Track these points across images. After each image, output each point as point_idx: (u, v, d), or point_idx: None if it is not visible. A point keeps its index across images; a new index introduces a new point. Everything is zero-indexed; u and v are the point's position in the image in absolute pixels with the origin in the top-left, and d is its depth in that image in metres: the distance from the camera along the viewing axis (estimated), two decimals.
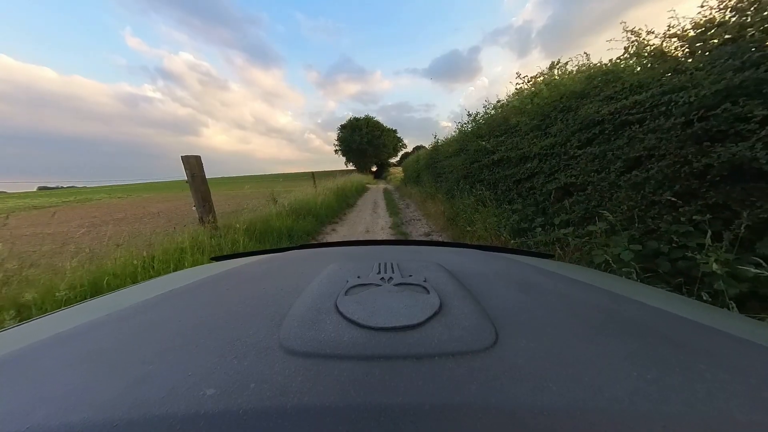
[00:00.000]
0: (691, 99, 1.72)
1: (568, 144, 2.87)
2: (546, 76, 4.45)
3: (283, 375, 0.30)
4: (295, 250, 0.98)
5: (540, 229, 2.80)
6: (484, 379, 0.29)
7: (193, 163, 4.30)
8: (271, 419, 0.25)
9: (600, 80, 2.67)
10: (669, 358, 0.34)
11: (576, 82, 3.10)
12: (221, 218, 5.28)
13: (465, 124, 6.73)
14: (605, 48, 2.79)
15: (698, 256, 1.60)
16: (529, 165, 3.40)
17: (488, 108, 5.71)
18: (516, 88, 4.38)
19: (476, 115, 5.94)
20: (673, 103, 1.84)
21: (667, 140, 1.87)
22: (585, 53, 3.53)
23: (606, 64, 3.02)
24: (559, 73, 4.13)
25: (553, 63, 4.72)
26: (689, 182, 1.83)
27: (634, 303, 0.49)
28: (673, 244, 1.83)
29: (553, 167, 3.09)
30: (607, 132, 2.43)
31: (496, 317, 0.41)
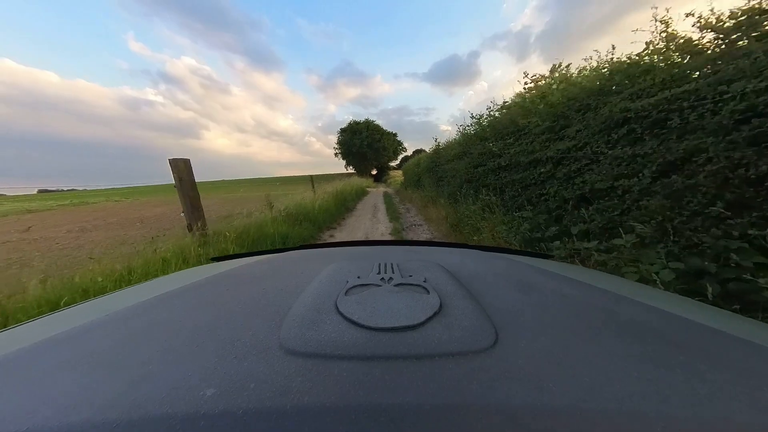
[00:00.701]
0: (748, 90, 1.46)
1: (588, 147, 2.62)
2: (548, 79, 4.24)
3: (283, 375, 0.30)
4: (295, 251, 0.96)
5: (558, 242, 2.52)
6: (484, 379, 0.29)
7: (181, 167, 4.04)
8: (271, 419, 0.25)
9: (624, 75, 2.41)
10: (669, 359, 0.33)
11: (594, 78, 2.84)
12: (213, 224, 5.03)
13: (468, 126, 6.50)
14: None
15: (761, 280, 1.34)
16: (542, 170, 3.13)
17: (492, 110, 5.48)
18: (524, 88, 4.12)
19: (480, 117, 5.69)
20: (723, 97, 1.58)
21: (714, 141, 1.61)
22: (612, 46, 3.19)
23: (625, 61, 2.77)
24: (562, 75, 3.87)
25: (554, 66, 4.59)
26: (742, 190, 1.57)
27: (634, 303, 0.49)
28: (723, 262, 1.56)
29: (571, 172, 2.82)
30: (636, 132, 2.17)
31: (496, 317, 0.41)
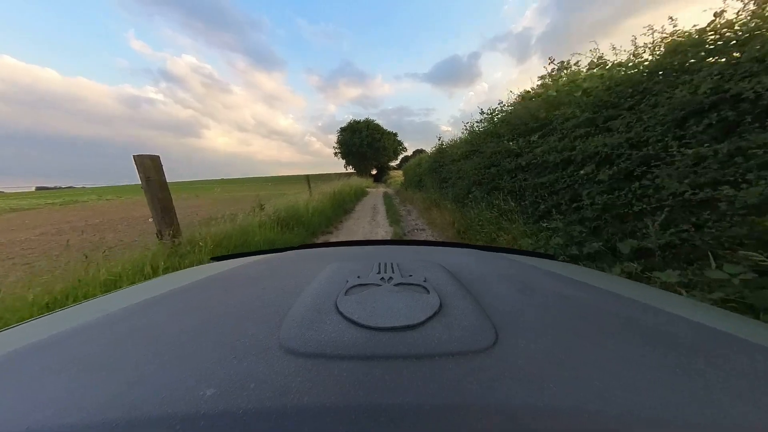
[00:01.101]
0: None
1: (648, 142, 2.03)
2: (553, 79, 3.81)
3: (283, 375, 0.30)
4: (295, 250, 0.96)
5: (617, 268, 1.94)
6: (484, 379, 0.29)
7: (148, 165, 3.44)
8: (271, 419, 0.25)
9: (699, 49, 1.83)
10: (670, 359, 0.33)
11: (657, 61, 2.22)
12: (194, 229, 4.46)
13: (477, 122, 5.92)
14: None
15: None
16: (582, 171, 2.51)
17: (503, 105, 4.90)
18: (550, 75, 3.49)
19: (492, 111, 5.10)
20: None
21: None
22: (670, 17, 2.51)
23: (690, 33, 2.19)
24: (598, 61, 3.28)
25: (563, 63, 4.19)
26: None
27: (635, 303, 0.48)
28: None
29: (619, 172, 2.23)
30: (728, 120, 1.59)
31: (496, 317, 0.40)
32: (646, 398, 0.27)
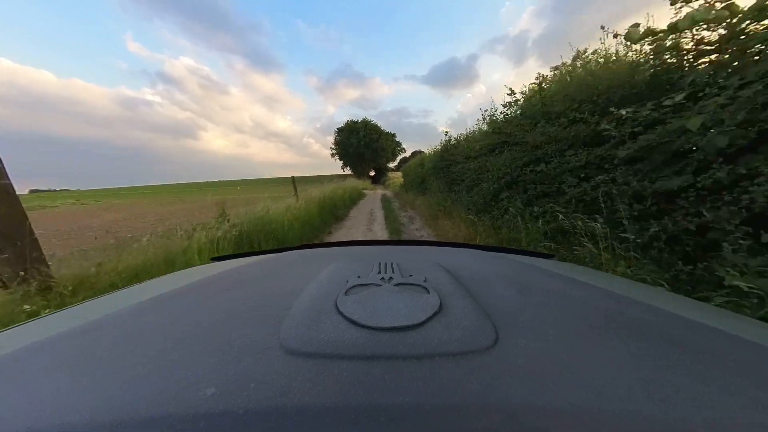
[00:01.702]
0: None
1: None
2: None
3: (283, 375, 0.30)
4: (295, 250, 0.95)
5: None
6: (485, 378, 0.29)
7: None
8: (271, 419, 0.25)
9: None
10: (670, 358, 0.33)
11: None
12: (103, 256, 3.01)
13: (505, 105, 4.47)
14: None
15: None
16: None
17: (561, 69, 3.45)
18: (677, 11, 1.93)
19: (542, 80, 3.61)
20: None
21: None
22: None
23: None
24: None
25: (579, 52, 3.66)
26: None
27: (635, 303, 0.48)
28: None
29: None
30: None
31: (496, 317, 0.40)
32: (646, 397, 0.27)
